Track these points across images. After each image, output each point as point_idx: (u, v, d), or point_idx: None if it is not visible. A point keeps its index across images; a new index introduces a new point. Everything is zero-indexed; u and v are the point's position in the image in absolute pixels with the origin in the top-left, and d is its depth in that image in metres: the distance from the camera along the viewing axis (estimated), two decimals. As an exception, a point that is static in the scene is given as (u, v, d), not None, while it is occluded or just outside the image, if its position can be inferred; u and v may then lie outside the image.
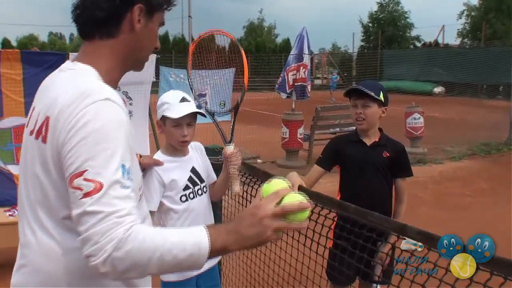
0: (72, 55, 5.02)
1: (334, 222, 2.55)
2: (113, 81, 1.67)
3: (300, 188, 2.68)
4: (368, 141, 3.20)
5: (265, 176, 3.05)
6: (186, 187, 2.95)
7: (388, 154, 3.17)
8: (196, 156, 3.08)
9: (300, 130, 10.55)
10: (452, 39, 42.60)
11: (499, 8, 35.16)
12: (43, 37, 57.31)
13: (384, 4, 45.70)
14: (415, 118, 11.64)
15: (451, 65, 32.01)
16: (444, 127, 15.09)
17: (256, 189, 3.14)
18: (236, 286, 3.67)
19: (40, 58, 6.30)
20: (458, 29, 41.13)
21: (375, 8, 46.25)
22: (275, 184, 1.56)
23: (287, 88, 10.82)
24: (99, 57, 1.63)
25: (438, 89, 31.74)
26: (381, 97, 3.16)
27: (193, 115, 2.88)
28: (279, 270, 3.06)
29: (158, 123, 2.95)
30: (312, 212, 2.60)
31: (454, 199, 8.23)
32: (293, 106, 10.84)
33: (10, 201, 5.51)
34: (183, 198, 2.94)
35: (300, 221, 1.50)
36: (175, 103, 2.81)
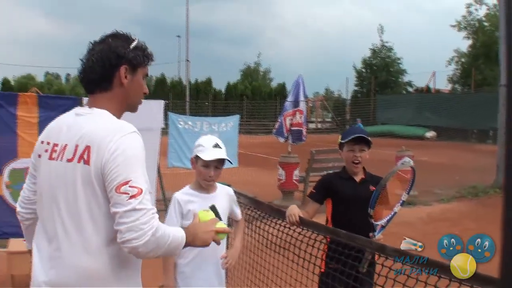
0: (84, 99, 5.46)
1: (326, 245, 3.07)
2: None
3: (300, 219, 3.19)
4: (357, 178, 3.68)
5: (270, 210, 3.58)
6: None
7: (374, 188, 3.63)
8: (222, 198, 3.44)
9: (296, 172, 11.01)
10: (443, 85, 43.18)
11: (487, 54, 35.71)
12: (40, 77, 57.68)
13: (377, 50, 46.36)
14: (405, 162, 12.07)
15: (442, 110, 32.62)
16: (434, 171, 15.43)
17: (260, 220, 3.65)
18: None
19: (55, 102, 6.64)
20: (448, 75, 41.78)
21: (368, 54, 46.97)
22: (209, 214, 2.48)
23: (284, 132, 11.37)
24: (103, 105, 2.22)
25: (430, 134, 32.23)
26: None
27: (221, 160, 3.32)
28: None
29: (192, 160, 3.41)
30: (309, 238, 3.14)
31: (441, 239, 8.55)
32: (289, 149, 11.33)
33: (19, 234, 5.88)
34: None
35: (221, 238, 2.43)
36: (209, 147, 3.27)
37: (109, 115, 2.18)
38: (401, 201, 3.33)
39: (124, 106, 2.30)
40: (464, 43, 42.17)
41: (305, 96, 12.06)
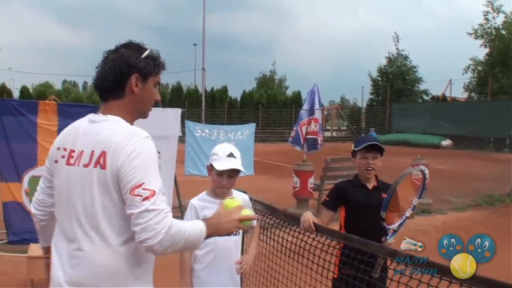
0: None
1: (339, 251, 3.15)
2: None
3: (315, 225, 3.27)
4: (369, 186, 3.76)
5: (285, 216, 3.65)
6: None
7: (385, 195, 3.70)
8: None
9: (311, 180, 11.06)
10: (460, 93, 42.74)
11: (504, 62, 35.25)
12: (58, 85, 58.43)
13: (393, 59, 46.13)
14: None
15: (459, 118, 32.41)
16: (450, 179, 15.41)
17: (275, 227, 3.73)
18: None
19: (74, 110, 6.83)
20: (465, 83, 41.37)
21: (384, 62, 46.72)
22: (235, 201, 2.51)
23: (301, 141, 11.41)
24: (116, 112, 2.34)
25: (446, 142, 32.01)
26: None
27: (235, 169, 3.37)
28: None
29: (207, 168, 3.48)
30: (323, 244, 3.22)
31: (455, 247, 8.55)
32: (304, 157, 11.38)
33: (38, 239, 5.98)
34: None
35: (246, 225, 2.51)
36: (223, 157, 3.34)
37: (123, 122, 2.30)
38: (412, 206, 3.37)
39: (135, 113, 2.41)
40: (480, 51, 41.62)
41: (321, 105, 12.11)
